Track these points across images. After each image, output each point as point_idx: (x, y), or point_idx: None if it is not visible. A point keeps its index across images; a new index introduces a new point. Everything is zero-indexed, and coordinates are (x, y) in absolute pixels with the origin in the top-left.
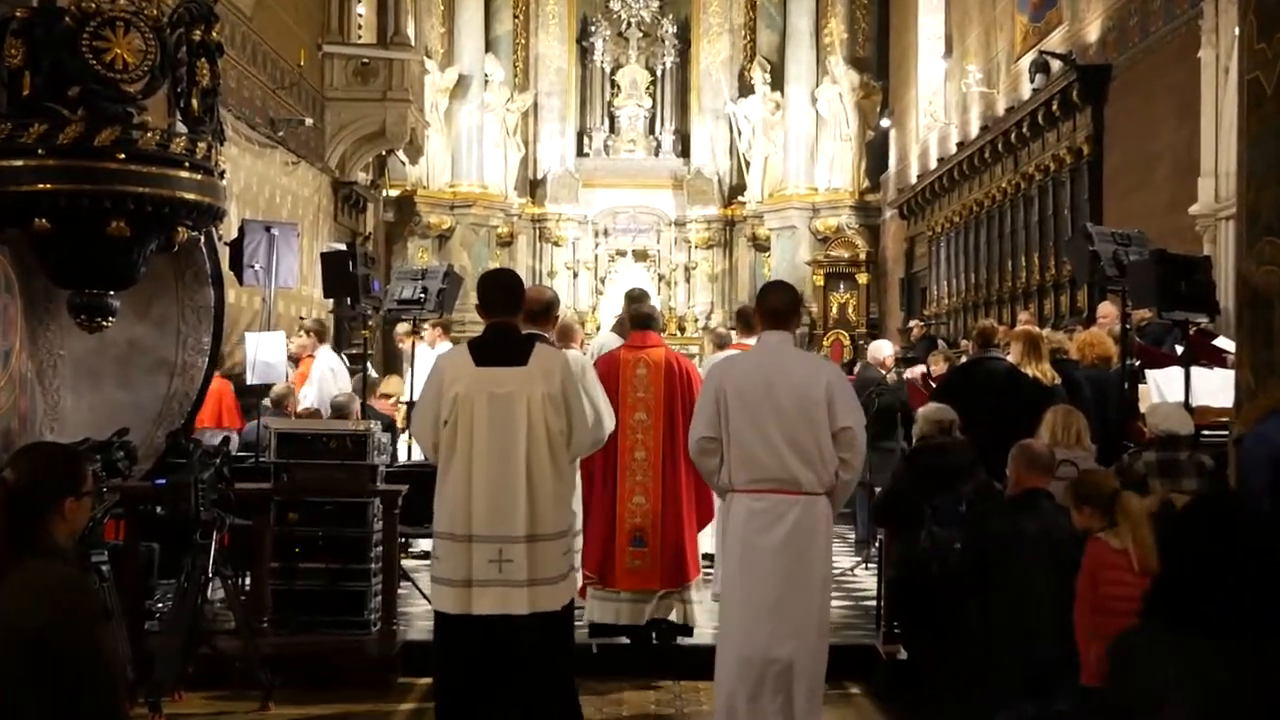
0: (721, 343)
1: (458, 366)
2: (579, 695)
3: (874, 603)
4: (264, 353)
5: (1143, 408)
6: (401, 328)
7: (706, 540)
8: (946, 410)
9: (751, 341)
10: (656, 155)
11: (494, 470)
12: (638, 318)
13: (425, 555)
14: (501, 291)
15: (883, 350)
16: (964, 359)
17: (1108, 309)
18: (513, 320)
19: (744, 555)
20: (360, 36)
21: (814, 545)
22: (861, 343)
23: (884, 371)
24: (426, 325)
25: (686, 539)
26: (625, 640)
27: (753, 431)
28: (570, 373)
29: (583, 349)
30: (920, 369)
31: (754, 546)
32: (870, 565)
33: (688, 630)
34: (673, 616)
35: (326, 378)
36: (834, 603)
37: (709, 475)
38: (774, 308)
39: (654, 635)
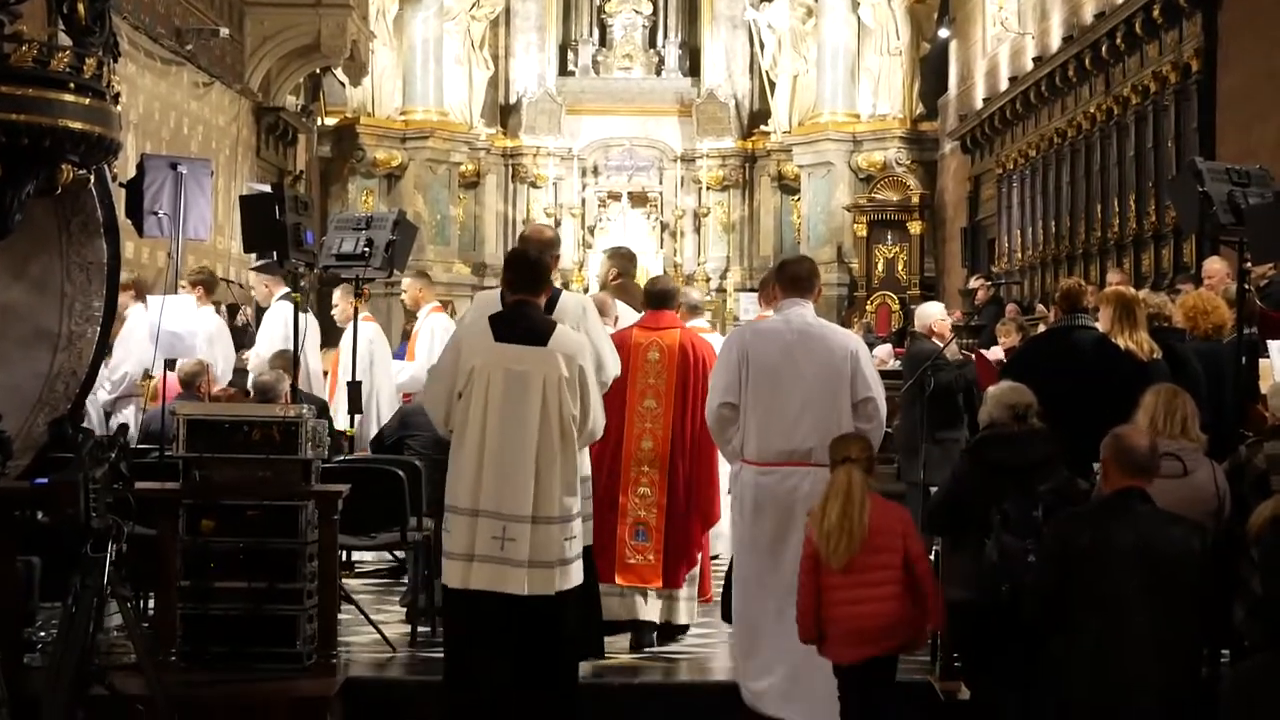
0: (694, 307)
1: (476, 340)
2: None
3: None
4: (171, 321)
5: (1263, 387)
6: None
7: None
8: (1021, 391)
9: (769, 312)
10: (658, 74)
11: (505, 448)
12: (653, 295)
13: (374, 572)
14: (529, 271)
15: (930, 314)
16: (1042, 327)
17: (1216, 266)
18: (536, 299)
19: (750, 531)
20: None
21: None
22: (914, 307)
23: (940, 342)
24: (186, 283)
25: (693, 536)
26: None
27: (772, 400)
28: (589, 356)
29: (615, 324)
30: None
31: (760, 524)
32: None
33: (683, 629)
34: (677, 617)
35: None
36: None
37: (724, 444)
38: (794, 276)
39: (640, 640)
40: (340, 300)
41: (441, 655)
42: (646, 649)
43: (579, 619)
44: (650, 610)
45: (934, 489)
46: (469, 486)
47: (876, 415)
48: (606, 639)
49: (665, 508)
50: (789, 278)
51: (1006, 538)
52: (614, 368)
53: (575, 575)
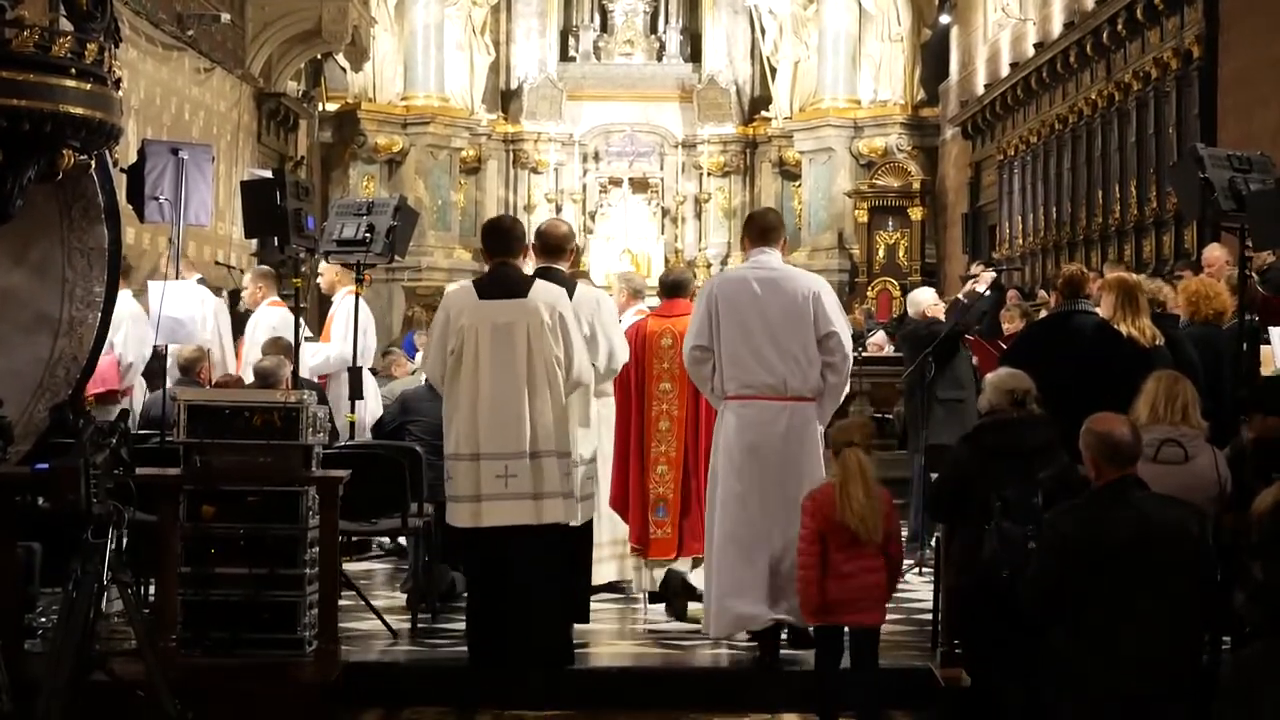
0: (637, 291)
1: (462, 301)
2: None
3: (929, 616)
4: (172, 306)
5: (1264, 373)
6: None
7: None
8: (1020, 377)
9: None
10: (659, 60)
11: (498, 393)
12: (667, 285)
13: (376, 553)
14: (498, 235)
15: (922, 300)
16: (1044, 314)
17: (1216, 253)
18: (511, 259)
19: (735, 459)
20: None
21: (805, 450)
22: None
23: (952, 323)
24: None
25: (701, 509)
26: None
27: (742, 338)
28: (568, 305)
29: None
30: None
31: (745, 453)
32: (925, 569)
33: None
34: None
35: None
36: None
37: (702, 383)
38: (762, 228)
39: (666, 604)
40: (250, 284)
41: (443, 641)
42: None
43: (570, 585)
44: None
45: (934, 476)
46: (468, 433)
47: (840, 349)
48: (633, 606)
49: (680, 483)
50: (757, 230)
51: (1006, 524)
52: (623, 355)
53: (586, 509)
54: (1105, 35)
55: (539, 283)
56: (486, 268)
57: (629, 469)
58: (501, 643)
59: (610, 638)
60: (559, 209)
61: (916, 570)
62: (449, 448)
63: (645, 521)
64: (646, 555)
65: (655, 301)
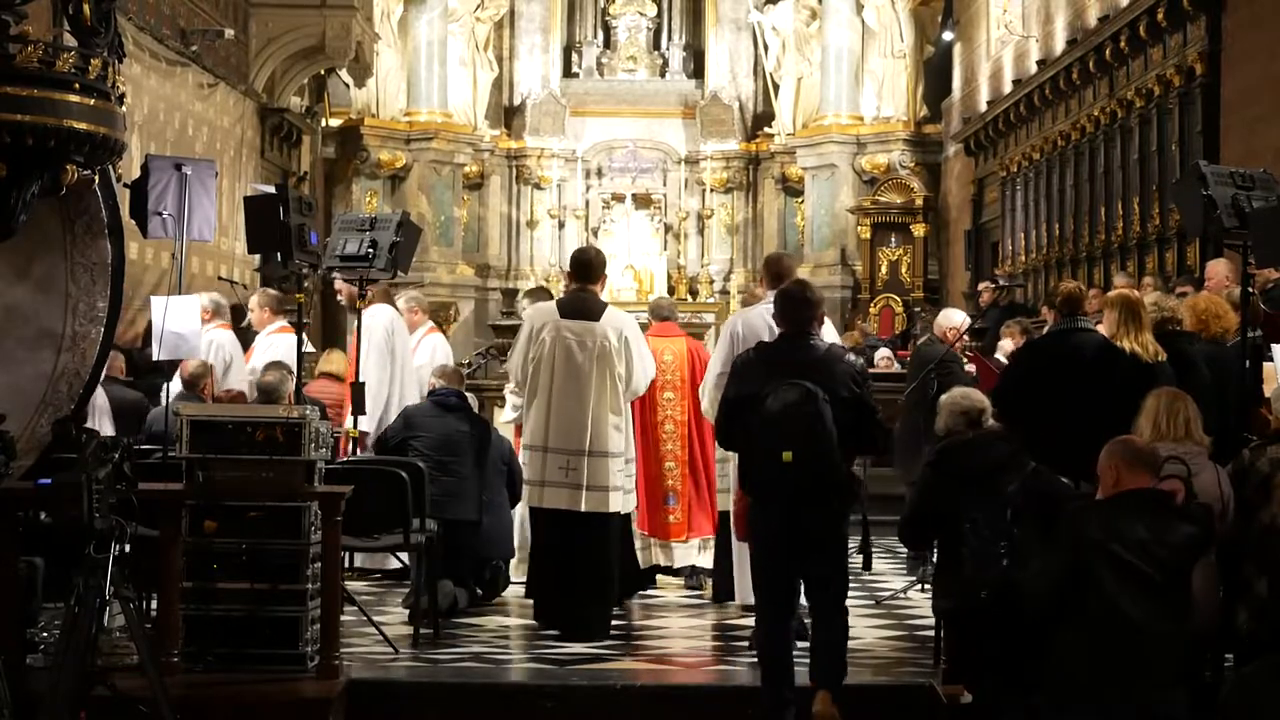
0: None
1: (546, 317)
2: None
3: (930, 633)
4: (174, 321)
5: (1267, 391)
6: None
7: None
8: (973, 396)
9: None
10: (663, 76)
11: (568, 399)
12: (659, 313)
13: (380, 573)
14: (584, 266)
15: (952, 319)
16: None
17: (1219, 269)
18: (591, 286)
19: None
20: None
21: None
22: (918, 310)
23: (949, 346)
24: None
25: (709, 497)
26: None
27: None
28: (634, 329)
29: None
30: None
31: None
32: (927, 586)
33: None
34: (703, 561)
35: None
36: (883, 633)
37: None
38: (776, 273)
39: (688, 579)
40: (254, 307)
41: (443, 656)
42: (694, 589)
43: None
44: (684, 557)
45: None
46: (540, 429)
47: None
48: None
49: (687, 476)
50: (774, 275)
51: (977, 544)
52: (651, 372)
53: (627, 502)
54: (1108, 52)
55: (610, 309)
56: (570, 287)
57: (637, 464)
58: (558, 606)
59: (619, 651)
60: (562, 225)
61: (919, 587)
62: (525, 438)
63: (653, 509)
64: (656, 536)
65: None
